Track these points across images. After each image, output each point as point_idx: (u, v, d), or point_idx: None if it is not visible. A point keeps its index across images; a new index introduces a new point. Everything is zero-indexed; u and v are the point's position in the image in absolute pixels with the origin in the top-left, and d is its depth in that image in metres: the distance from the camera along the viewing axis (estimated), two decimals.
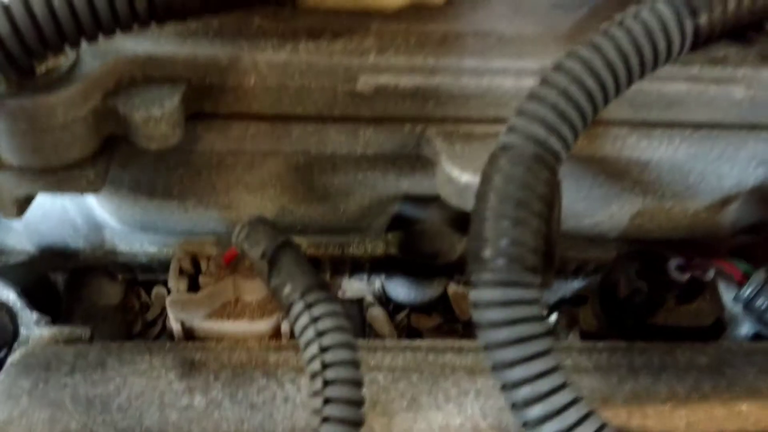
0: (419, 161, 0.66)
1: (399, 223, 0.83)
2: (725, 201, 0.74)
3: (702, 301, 0.74)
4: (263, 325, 0.70)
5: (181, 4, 0.50)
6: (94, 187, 0.58)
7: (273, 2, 0.58)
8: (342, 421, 0.49)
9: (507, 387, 0.45)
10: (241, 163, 0.67)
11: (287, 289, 0.56)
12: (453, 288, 0.99)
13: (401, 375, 0.66)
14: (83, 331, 0.70)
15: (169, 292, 0.70)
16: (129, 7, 0.47)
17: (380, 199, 0.74)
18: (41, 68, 0.52)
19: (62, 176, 0.56)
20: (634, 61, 0.49)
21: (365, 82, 0.57)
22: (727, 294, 0.79)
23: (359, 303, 1.01)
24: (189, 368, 0.65)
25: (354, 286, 1.00)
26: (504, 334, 0.45)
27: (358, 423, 0.52)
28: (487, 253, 0.45)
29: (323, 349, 0.51)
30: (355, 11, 0.59)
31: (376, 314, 0.99)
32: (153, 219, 0.76)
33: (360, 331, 0.98)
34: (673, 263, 0.71)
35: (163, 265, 0.88)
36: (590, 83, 0.48)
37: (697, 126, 0.64)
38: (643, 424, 0.64)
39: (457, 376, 0.66)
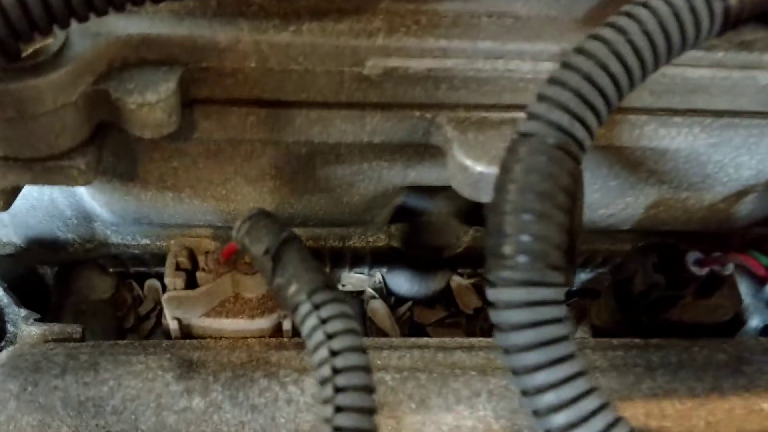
0: (427, 150, 0.64)
1: (402, 214, 0.82)
2: (742, 192, 0.73)
3: (720, 296, 0.73)
4: (263, 323, 0.70)
5: None
6: (85, 178, 0.56)
7: None
8: (354, 431, 0.47)
9: (529, 393, 0.44)
10: (240, 153, 0.66)
11: (293, 289, 0.55)
12: (456, 281, 0.99)
13: (409, 375, 0.66)
14: (74, 329, 0.70)
15: (163, 286, 0.70)
16: None
17: (385, 191, 0.73)
18: (28, 50, 0.50)
19: (51, 166, 0.54)
20: (661, 44, 0.47)
21: (373, 66, 0.56)
22: (742, 288, 0.78)
23: (359, 296, 1.00)
24: (187, 368, 0.64)
25: (354, 279, 1.00)
26: (526, 336, 0.43)
27: None
28: (508, 249, 0.43)
29: (333, 353, 0.49)
30: None
31: (377, 307, 0.99)
32: (146, 211, 0.75)
33: (360, 325, 0.97)
34: (692, 257, 0.70)
35: (156, 258, 0.88)
36: (615, 67, 0.46)
37: (719, 114, 0.62)
38: (661, 425, 0.64)
39: (468, 375, 0.66)
